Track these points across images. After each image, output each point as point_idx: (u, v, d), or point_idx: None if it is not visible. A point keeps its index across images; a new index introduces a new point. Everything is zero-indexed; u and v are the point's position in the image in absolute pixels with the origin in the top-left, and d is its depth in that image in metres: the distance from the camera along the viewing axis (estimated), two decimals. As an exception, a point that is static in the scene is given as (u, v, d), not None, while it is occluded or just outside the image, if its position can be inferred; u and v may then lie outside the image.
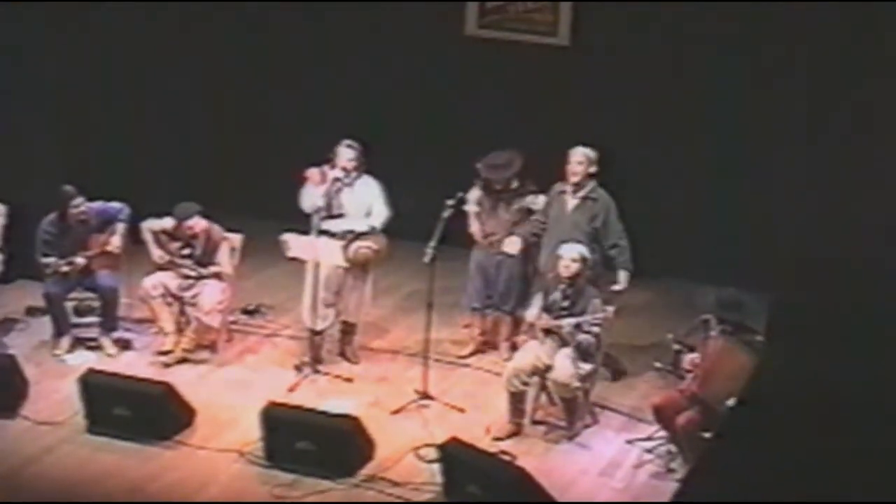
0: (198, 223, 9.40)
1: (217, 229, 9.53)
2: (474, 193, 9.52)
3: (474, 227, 9.54)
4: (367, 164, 9.37)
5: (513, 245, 9.32)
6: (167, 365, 9.37)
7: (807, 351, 5.76)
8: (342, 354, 9.67)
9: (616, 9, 10.98)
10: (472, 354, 9.72)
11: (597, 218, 9.18)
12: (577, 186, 9.23)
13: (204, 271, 9.43)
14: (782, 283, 7.61)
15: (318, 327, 9.40)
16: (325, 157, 9.34)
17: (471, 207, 9.49)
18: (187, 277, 9.46)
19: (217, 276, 9.45)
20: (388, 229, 9.40)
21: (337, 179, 9.25)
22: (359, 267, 9.30)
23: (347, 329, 9.64)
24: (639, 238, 9.46)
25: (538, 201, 9.42)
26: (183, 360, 9.43)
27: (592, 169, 9.24)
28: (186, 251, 9.47)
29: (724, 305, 8.26)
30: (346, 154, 9.27)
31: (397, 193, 9.43)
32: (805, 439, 5.63)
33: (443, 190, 9.16)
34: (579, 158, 9.20)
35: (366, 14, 11.57)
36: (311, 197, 9.26)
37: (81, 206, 9.36)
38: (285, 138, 11.52)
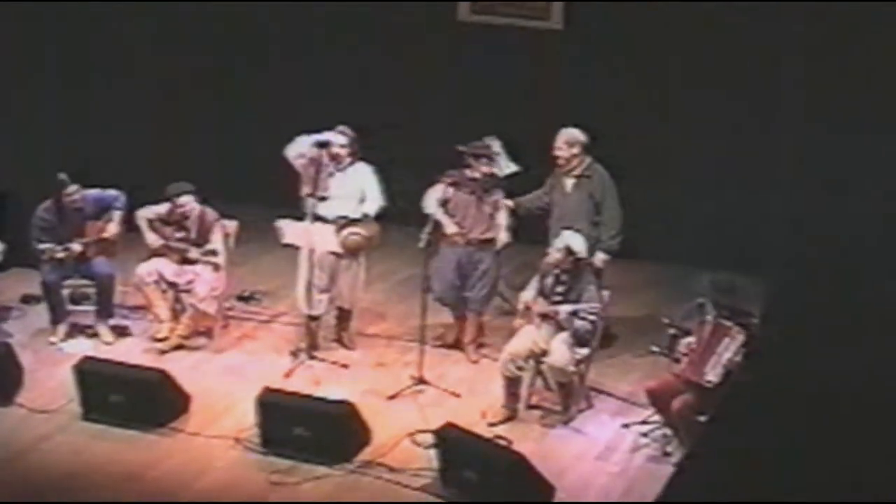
0: (190, 203, 9.39)
1: (210, 212, 9.53)
2: (433, 194, 9.28)
3: (449, 228, 9.23)
4: (361, 151, 9.36)
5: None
6: (163, 352, 9.37)
7: (802, 334, 5.78)
8: (338, 340, 9.67)
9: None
10: (444, 346, 9.57)
11: (595, 193, 9.24)
12: (569, 166, 9.25)
13: (199, 252, 9.41)
14: (778, 267, 7.63)
15: (314, 313, 9.39)
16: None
17: (433, 210, 9.23)
18: (183, 261, 9.45)
19: (212, 255, 9.42)
20: (382, 215, 9.40)
21: (331, 174, 9.18)
22: (350, 253, 9.29)
23: (343, 315, 9.64)
24: (632, 222, 9.47)
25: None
26: (179, 347, 9.43)
27: (576, 150, 9.26)
28: (181, 234, 9.47)
29: (719, 289, 8.26)
30: (339, 140, 9.24)
31: (391, 177, 9.43)
32: (800, 422, 5.64)
33: (436, 175, 9.18)
34: (563, 140, 9.27)
35: (360, 1, 11.54)
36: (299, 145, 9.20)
37: (75, 194, 9.35)
38: (279, 125, 11.48)
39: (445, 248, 9.34)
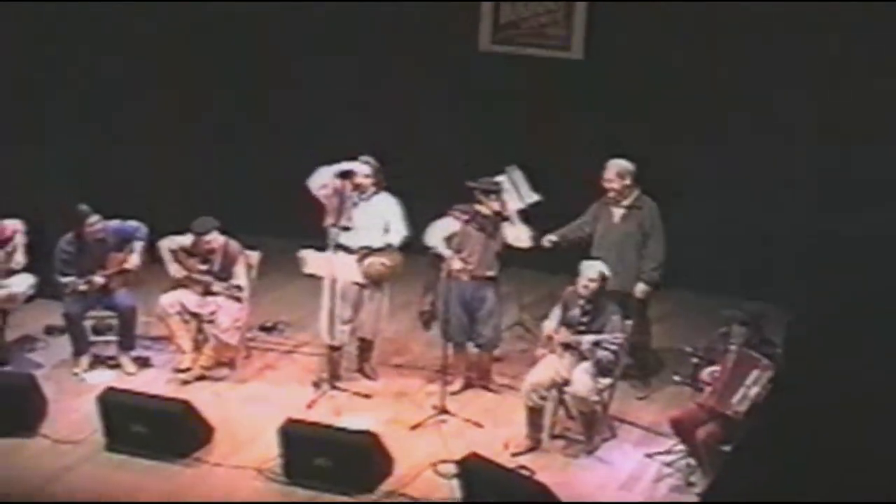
0: (215, 239, 9.43)
1: (234, 245, 9.56)
2: (440, 227, 9.19)
3: (454, 263, 9.05)
4: (385, 180, 9.37)
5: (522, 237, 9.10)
6: (185, 382, 9.39)
7: (827, 363, 5.75)
8: (360, 371, 9.67)
9: (629, 22, 11.00)
10: (462, 390, 9.46)
11: (644, 223, 9.26)
12: (620, 197, 9.26)
13: (222, 285, 9.44)
14: (801, 296, 7.61)
15: (336, 343, 9.40)
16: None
17: (435, 243, 9.14)
18: (206, 293, 9.48)
19: (236, 290, 9.45)
20: (405, 245, 9.39)
21: (354, 204, 9.20)
22: (373, 283, 9.29)
23: (365, 346, 9.64)
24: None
25: (520, 233, 9.14)
26: (201, 378, 9.45)
27: (628, 181, 9.26)
28: (204, 266, 9.50)
29: (749, 318, 8.23)
30: (362, 170, 9.26)
31: (414, 209, 9.45)
32: (825, 452, 5.61)
33: (455, 204, 9.18)
34: (614, 171, 9.25)
35: (382, 32, 11.61)
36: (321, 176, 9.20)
37: (97, 224, 9.40)
38: (301, 155, 11.52)
39: (451, 284, 9.16)
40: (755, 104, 10.81)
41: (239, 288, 9.47)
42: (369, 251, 9.20)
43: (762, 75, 10.76)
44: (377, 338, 9.64)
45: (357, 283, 9.21)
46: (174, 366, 9.60)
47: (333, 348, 9.42)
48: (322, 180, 9.19)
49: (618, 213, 9.35)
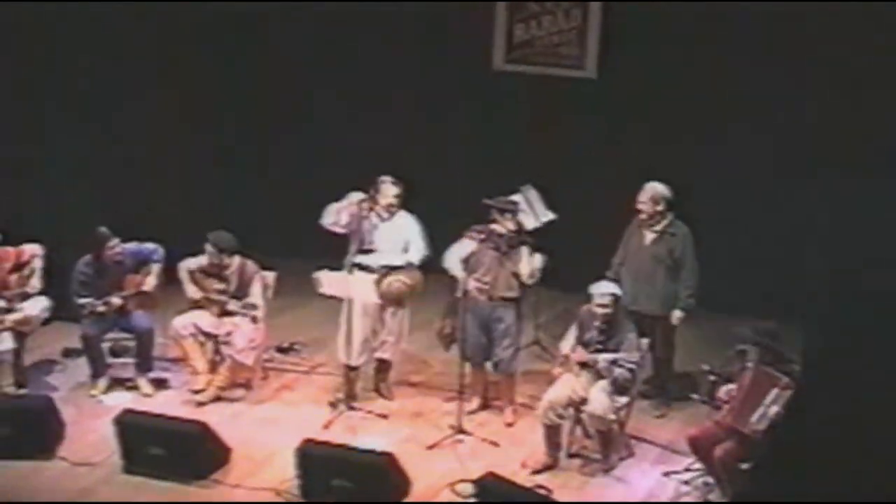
0: (232, 259, 9.46)
1: (251, 265, 9.60)
2: (458, 250, 9.14)
3: (469, 285, 8.95)
4: (405, 200, 9.40)
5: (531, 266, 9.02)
6: (201, 403, 9.40)
7: (846, 381, 5.73)
8: (376, 390, 9.68)
9: (642, 41, 11.01)
10: (478, 410, 9.43)
11: (676, 250, 9.20)
12: (651, 221, 9.24)
13: (238, 304, 9.47)
14: (819, 313, 7.58)
15: (354, 363, 9.41)
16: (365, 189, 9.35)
17: (457, 272, 9.06)
18: (222, 314, 9.51)
19: (251, 308, 9.47)
20: (425, 264, 9.42)
21: (364, 217, 9.22)
22: (393, 302, 9.29)
23: (383, 366, 9.65)
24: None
25: (532, 260, 9.05)
26: (217, 399, 9.46)
27: (661, 206, 9.22)
28: (221, 286, 9.52)
29: (762, 336, 8.22)
30: (391, 191, 9.27)
31: (427, 228, 9.47)
32: (845, 471, 5.59)
33: (471, 224, 9.19)
34: (648, 196, 9.23)
35: (396, 52, 11.65)
36: (330, 212, 9.24)
37: (117, 247, 9.44)
38: (317, 176, 11.58)
39: (468, 305, 9.09)
40: (771, 121, 10.79)
41: (254, 306, 9.48)
42: (389, 270, 9.20)
43: (776, 93, 10.74)
44: (395, 358, 9.64)
45: (376, 303, 9.20)
46: (190, 387, 9.61)
47: (351, 368, 9.42)
48: (332, 217, 9.21)
49: (649, 236, 9.30)
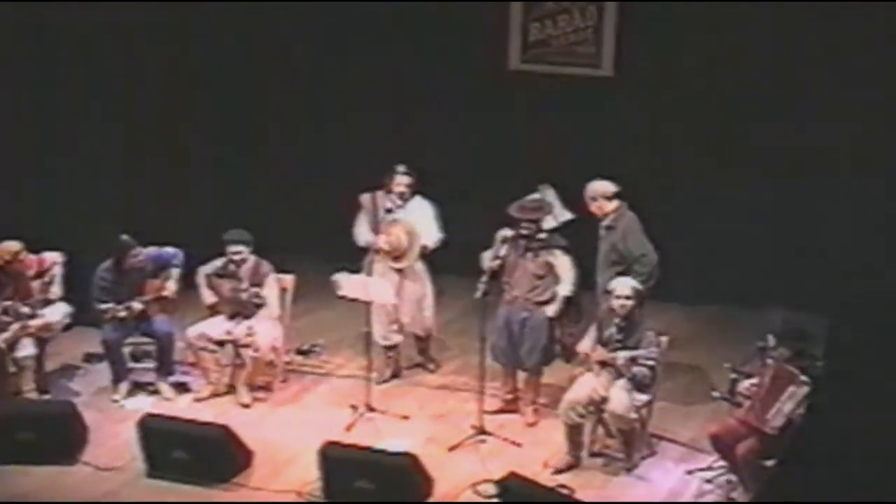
0: (247, 257, 9.54)
1: (265, 264, 9.64)
2: (491, 251, 9.12)
3: (482, 287, 8.82)
4: (420, 187, 9.59)
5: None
6: (198, 399, 9.53)
7: (869, 376, 5.72)
8: (421, 365, 10.07)
9: (658, 39, 10.99)
10: (499, 412, 9.38)
11: (616, 245, 9.12)
12: (600, 218, 9.24)
13: (248, 294, 9.51)
14: (840, 309, 7.56)
15: (389, 343, 9.76)
16: (379, 183, 9.62)
17: (488, 263, 9.05)
18: (236, 314, 9.55)
19: (258, 298, 9.54)
20: (440, 264, 9.44)
21: (388, 210, 9.49)
22: (396, 255, 9.49)
23: (421, 343, 10.06)
24: (687, 267, 9.39)
25: (562, 260, 9.05)
26: (226, 393, 9.54)
27: (600, 202, 9.17)
28: (234, 285, 9.55)
29: (788, 331, 8.20)
30: (402, 180, 9.54)
31: (446, 228, 9.49)
32: (868, 466, 5.57)
33: (490, 224, 9.18)
34: (587, 194, 9.25)
35: (412, 52, 11.65)
36: (364, 231, 9.56)
37: (140, 255, 9.47)
38: (334, 178, 11.59)
39: (501, 308, 9.18)
40: (787, 118, 10.76)
41: (262, 297, 9.52)
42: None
43: (794, 92, 10.70)
44: (428, 332, 9.99)
45: (397, 271, 9.54)
46: (205, 392, 9.64)
47: (388, 348, 9.79)
48: (364, 234, 9.59)
49: (601, 234, 9.29)
